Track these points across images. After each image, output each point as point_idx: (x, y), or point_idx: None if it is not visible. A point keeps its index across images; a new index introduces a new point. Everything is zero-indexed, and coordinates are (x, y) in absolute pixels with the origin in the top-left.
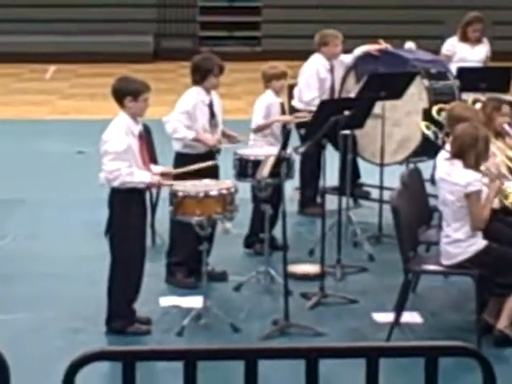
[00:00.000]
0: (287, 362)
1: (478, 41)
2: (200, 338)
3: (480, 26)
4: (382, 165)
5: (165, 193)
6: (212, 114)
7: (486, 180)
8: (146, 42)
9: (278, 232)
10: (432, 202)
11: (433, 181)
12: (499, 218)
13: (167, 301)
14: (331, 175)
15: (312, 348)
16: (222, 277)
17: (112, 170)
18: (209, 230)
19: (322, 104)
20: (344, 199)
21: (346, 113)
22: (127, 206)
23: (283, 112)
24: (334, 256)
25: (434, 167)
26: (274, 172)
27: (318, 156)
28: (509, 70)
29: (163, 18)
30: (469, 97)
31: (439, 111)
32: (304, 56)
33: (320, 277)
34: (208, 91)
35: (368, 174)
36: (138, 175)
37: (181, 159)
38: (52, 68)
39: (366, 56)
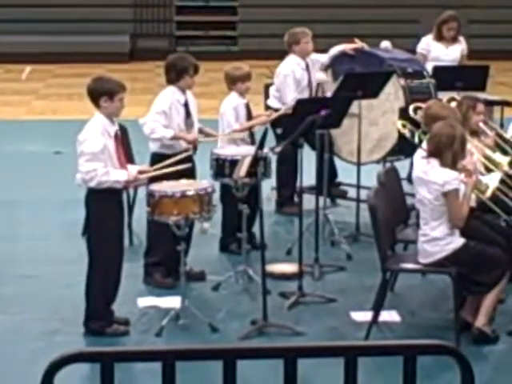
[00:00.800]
0: (266, 361)
1: (453, 39)
2: (178, 338)
3: (455, 24)
4: (359, 164)
5: (142, 193)
6: (187, 114)
7: (462, 177)
8: (122, 42)
9: (255, 231)
10: (409, 200)
11: (410, 179)
12: (476, 216)
13: (145, 301)
14: (308, 175)
15: (290, 347)
16: (200, 277)
17: (88, 170)
18: (186, 230)
19: (299, 103)
20: (321, 198)
21: (323, 112)
22: (104, 207)
23: (249, 113)
24: (312, 255)
25: (411, 166)
26: (251, 172)
27: (294, 155)
28: (485, 68)
29: (139, 17)
30: (445, 96)
31: (416, 110)
32: (280, 55)
33: (298, 276)
34: (183, 91)
35: (345, 173)
36: (114, 174)
37: (157, 159)
38: (28, 68)
39: (342, 55)
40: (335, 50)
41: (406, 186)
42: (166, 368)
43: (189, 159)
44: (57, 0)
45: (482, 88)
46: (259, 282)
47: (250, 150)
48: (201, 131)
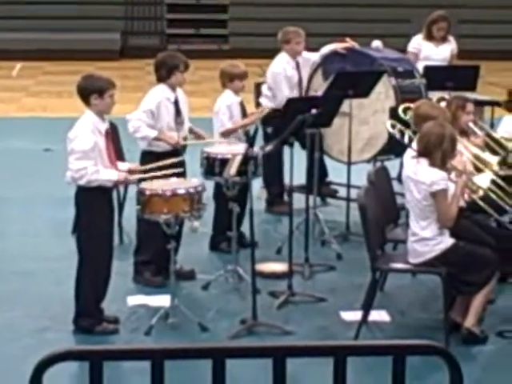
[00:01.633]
0: (255, 360)
1: (443, 39)
2: (168, 337)
3: (445, 24)
4: (349, 163)
5: (132, 191)
6: (178, 112)
7: (452, 176)
8: (112, 40)
9: (245, 230)
10: (399, 200)
11: (400, 179)
12: (466, 216)
13: (135, 300)
14: (298, 174)
15: (280, 347)
16: (189, 275)
17: (78, 168)
18: (176, 228)
19: (289, 102)
20: (311, 198)
21: (314, 111)
22: (94, 205)
23: (243, 111)
24: (302, 254)
25: (401, 165)
26: (242, 170)
27: (279, 153)
28: (475, 68)
29: (130, 15)
30: (435, 95)
31: (405, 110)
32: (271, 54)
33: (288, 275)
34: (173, 88)
35: (335, 173)
36: (105, 173)
37: (147, 157)
38: (18, 65)
39: (333, 54)
40: (326, 49)
41: (396, 186)
42: (155, 367)
43: (181, 163)
44: None
45: (473, 88)
46: (249, 281)
47: (240, 149)
48: (191, 131)
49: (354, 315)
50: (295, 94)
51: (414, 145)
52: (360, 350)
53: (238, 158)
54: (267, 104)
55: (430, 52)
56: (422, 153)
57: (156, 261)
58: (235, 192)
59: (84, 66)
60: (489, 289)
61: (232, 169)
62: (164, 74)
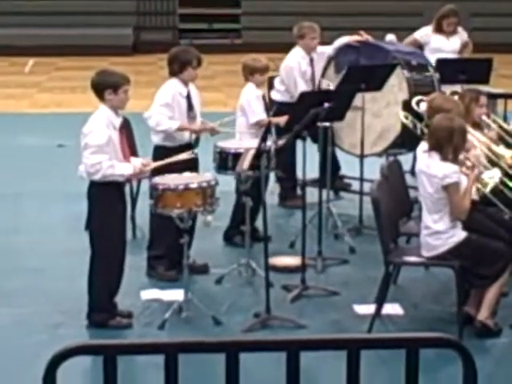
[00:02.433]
0: (269, 354)
1: (452, 32)
2: (181, 331)
3: (455, 19)
4: (362, 156)
5: (145, 186)
6: (190, 106)
7: (464, 169)
8: (125, 35)
9: (258, 224)
10: (412, 193)
11: (413, 172)
12: (479, 209)
13: (148, 294)
14: (311, 168)
15: (293, 340)
16: (203, 269)
17: (93, 163)
18: (189, 222)
19: (302, 96)
20: (324, 191)
21: (326, 105)
22: (106, 200)
23: (266, 105)
24: (315, 248)
25: (415, 159)
26: (255, 164)
27: (293, 147)
28: (488, 61)
29: (143, 10)
30: (448, 89)
31: (418, 102)
32: (284, 48)
33: (301, 269)
34: (185, 83)
35: (348, 166)
36: (119, 168)
37: (160, 152)
38: (31, 61)
39: (347, 47)
40: (340, 42)
41: (409, 179)
42: (169, 361)
43: (193, 160)
44: None
45: (486, 81)
46: (262, 274)
47: (253, 143)
48: (202, 125)
49: (367, 309)
50: (308, 89)
51: (426, 138)
52: (373, 343)
53: (251, 152)
54: (279, 98)
55: (441, 44)
56: (433, 147)
57: (169, 255)
58: (248, 186)
59: (97, 62)
60: (502, 282)
61: (245, 163)
62: (176, 68)
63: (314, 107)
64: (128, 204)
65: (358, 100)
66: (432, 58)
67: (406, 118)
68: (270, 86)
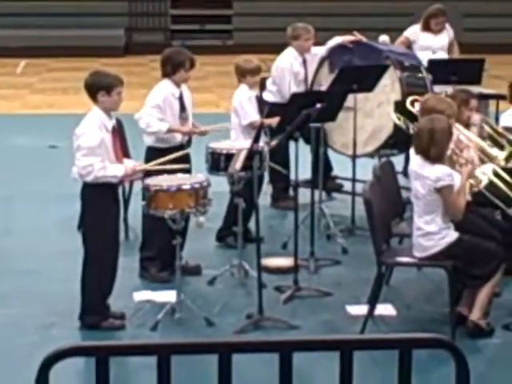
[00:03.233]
0: (261, 355)
1: (439, 31)
2: (174, 332)
3: (443, 18)
4: (354, 157)
5: (137, 187)
6: (182, 108)
7: (458, 167)
8: (117, 36)
9: (251, 225)
10: (405, 194)
11: (406, 173)
12: (471, 210)
13: (141, 295)
14: (303, 168)
15: (286, 341)
16: (195, 271)
17: (85, 165)
18: (182, 223)
19: (294, 97)
20: (316, 192)
21: (318, 106)
22: (99, 201)
23: (259, 106)
24: (307, 249)
25: (407, 160)
26: (247, 165)
27: (285, 148)
28: (480, 61)
29: (134, 11)
30: (440, 89)
31: (413, 102)
32: (276, 49)
33: (294, 270)
34: (178, 84)
35: (340, 167)
36: (111, 169)
37: (152, 154)
38: (23, 63)
39: (340, 47)
40: (333, 42)
41: (401, 180)
42: (162, 362)
43: (185, 158)
44: None
45: (478, 82)
46: (255, 275)
47: (245, 144)
48: (194, 127)
49: (360, 309)
50: (301, 90)
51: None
52: (366, 343)
53: (243, 153)
54: (271, 99)
55: (430, 42)
56: (418, 151)
57: (162, 256)
58: (240, 187)
59: (89, 63)
60: (494, 282)
61: (237, 164)
62: (169, 70)
63: (305, 108)
64: (120, 205)
65: (350, 100)
66: (421, 55)
67: (398, 118)
68: (263, 87)
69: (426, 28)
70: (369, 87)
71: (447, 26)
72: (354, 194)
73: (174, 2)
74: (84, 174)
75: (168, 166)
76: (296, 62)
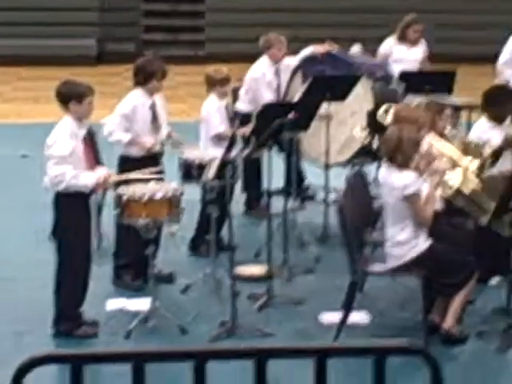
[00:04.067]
0: (236, 363)
1: (415, 42)
2: (148, 340)
3: (420, 26)
4: (327, 166)
5: (110, 196)
6: (154, 117)
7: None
8: (88, 46)
9: (224, 233)
10: (378, 203)
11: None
12: (443, 220)
13: (114, 303)
14: (276, 177)
15: (261, 349)
16: (169, 279)
17: (56, 174)
18: (155, 232)
19: (266, 107)
20: (289, 201)
21: (291, 115)
22: (72, 210)
23: (229, 115)
24: (281, 257)
25: (379, 169)
26: (220, 174)
27: (257, 157)
28: (451, 74)
29: (106, 21)
30: (412, 100)
31: (387, 111)
32: (248, 59)
33: (267, 278)
34: (150, 94)
35: (314, 176)
36: (84, 177)
37: (125, 162)
38: None
39: (313, 57)
40: (306, 52)
41: (374, 189)
42: (136, 370)
43: (159, 170)
44: (23, 3)
45: (449, 91)
46: (228, 284)
47: (217, 153)
48: (169, 136)
49: (334, 317)
50: (274, 99)
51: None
52: (339, 351)
53: (216, 162)
54: (244, 109)
55: (403, 55)
56: (385, 157)
57: (135, 265)
58: (213, 196)
59: (60, 72)
60: (468, 290)
61: (210, 173)
62: (141, 79)
63: (278, 118)
64: (93, 213)
65: (323, 109)
66: (395, 69)
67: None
68: (235, 97)
69: (403, 38)
70: (340, 97)
71: (422, 40)
72: (326, 202)
73: (146, 12)
74: (56, 182)
75: (141, 176)
76: (269, 72)
